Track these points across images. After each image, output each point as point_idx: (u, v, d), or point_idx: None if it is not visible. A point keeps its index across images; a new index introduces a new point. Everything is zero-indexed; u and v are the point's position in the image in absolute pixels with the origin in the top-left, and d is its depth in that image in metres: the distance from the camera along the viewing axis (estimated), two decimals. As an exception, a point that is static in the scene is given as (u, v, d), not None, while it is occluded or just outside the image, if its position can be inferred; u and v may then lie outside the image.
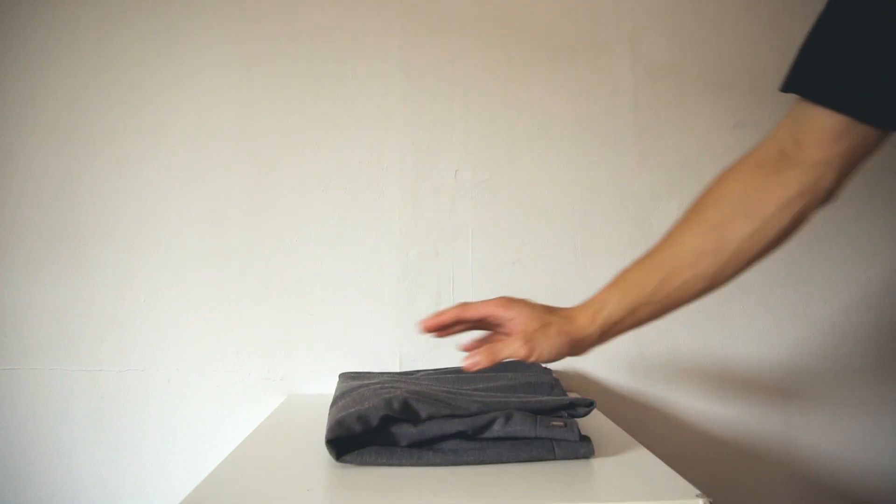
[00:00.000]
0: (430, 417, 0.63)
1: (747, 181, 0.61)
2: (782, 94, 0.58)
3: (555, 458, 0.62)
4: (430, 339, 1.02)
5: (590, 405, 0.69)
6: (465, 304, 0.63)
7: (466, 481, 0.57)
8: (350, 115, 1.02)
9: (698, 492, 0.53)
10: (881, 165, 1.08)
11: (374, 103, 1.02)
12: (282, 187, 1.01)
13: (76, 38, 0.99)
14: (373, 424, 0.61)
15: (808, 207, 0.61)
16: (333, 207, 1.02)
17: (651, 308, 0.62)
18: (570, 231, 1.04)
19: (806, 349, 1.08)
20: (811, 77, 0.57)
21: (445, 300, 1.03)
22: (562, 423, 0.64)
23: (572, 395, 0.85)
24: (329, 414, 0.69)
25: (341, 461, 0.61)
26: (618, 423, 0.79)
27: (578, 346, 0.62)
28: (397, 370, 1.01)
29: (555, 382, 0.87)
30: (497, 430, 0.63)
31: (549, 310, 0.63)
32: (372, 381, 0.80)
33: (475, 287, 1.03)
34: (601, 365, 1.04)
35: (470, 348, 0.62)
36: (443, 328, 0.64)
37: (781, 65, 0.59)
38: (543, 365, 0.97)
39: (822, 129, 0.57)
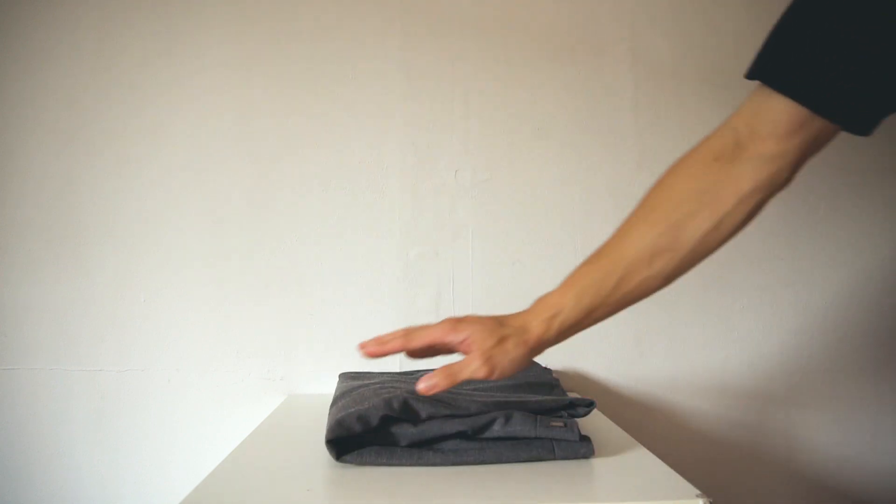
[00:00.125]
0: (430, 417, 0.63)
1: (702, 176, 0.60)
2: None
3: (555, 458, 0.62)
4: (430, 339, 1.02)
5: (590, 405, 0.69)
6: (408, 333, 0.62)
7: (466, 481, 0.57)
8: (350, 115, 1.02)
9: (698, 492, 0.53)
10: (881, 165, 1.08)
11: (374, 103, 1.02)
12: (282, 187, 1.01)
13: (76, 38, 0.99)
14: (373, 424, 0.61)
15: (763, 201, 0.60)
16: (333, 207, 1.02)
17: (607, 309, 0.61)
18: (570, 231, 1.04)
19: (806, 349, 1.08)
20: (776, 66, 0.56)
21: (445, 300, 1.03)
22: (562, 424, 0.64)
23: (572, 395, 0.85)
24: (329, 414, 0.69)
25: (341, 461, 0.61)
26: (618, 423, 0.79)
27: (537, 352, 0.61)
28: (397, 370, 1.01)
29: (555, 382, 0.87)
30: (497, 430, 0.63)
31: (501, 322, 0.61)
32: (372, 381, 0.80)
33: (475, 287, 1.03)
34: (601, 365, 1.04)
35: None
36: (385, 355, 0.62)
37: (781, 65, 0.59)
38: (543, 365, 0.97)
39: (781, 119, 0.57)
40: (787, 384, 1.07)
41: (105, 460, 0.99)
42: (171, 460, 0.99)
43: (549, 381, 0.86)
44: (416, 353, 0.64)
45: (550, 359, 1.00)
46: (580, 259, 1.03)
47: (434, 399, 0.66)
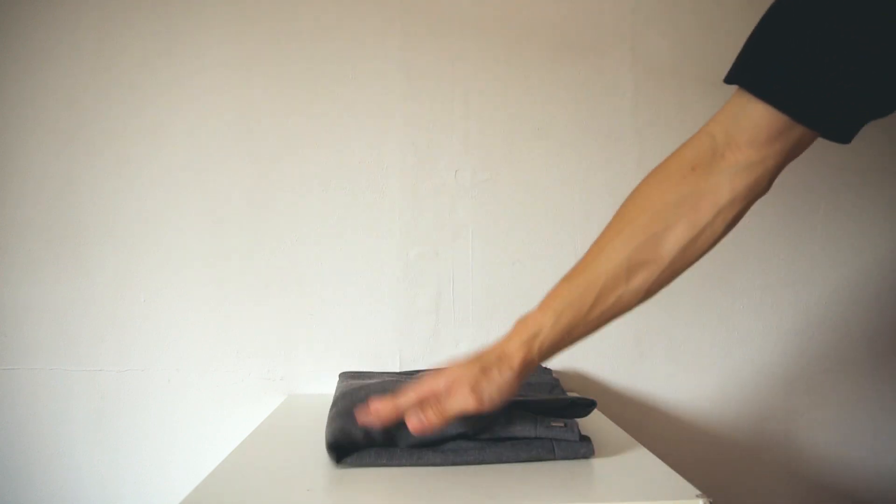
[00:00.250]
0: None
1: (679, 187, 0.58)
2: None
3: (555, 458, 0.62)
4: (430, 339, 1.02)
5: (590, 405, 0.69)
6: (396, 399, 0.60)
7: (466, 481, 0.57)
8: (350, 115, 1.02)
9: (698, 492, 0.53)
10: (881, 165, 1.08)
11: (374, 103, 1.02)
12: (282, 187, 1.01)
13: (76, 38, 0.99)
14: (375, 431, 0.61)
15: (742, 210, 0.59)
16: (333, 207, 1.02)
17: (587, 327, 0.60)
18: (569, 231, 1.04)
19: (806, 349, 1.08)
20: (756, 71, 0.55)
21: (445, 300, 1.03)
22: (562, 424, 0.64)
23: (572, 395, 0.85)
24: (329, 416, 0.69)
25: (342, 464, 0.61)
26: (618, 423, 0.79)
27: (524, 374, 0.60)
28: (397, 370, 1.01)
29: (555, 382, 0.87)
30: (497, 430, 0.63)
31: (479, 356, 0.60)
32: (372, 381, 0.80)
33: (475, 287, 1.03)
34: (601, 365, 1.04)
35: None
36: (382, 423, 0.61)
37: (781, 65, 0.59)
38: (543, 365, 0.97)
39: (760, 126, 0.55)
40: (787, 384, 1.07)
41: (105, 460, 0.99)
42: (171, 460, 0.99)
43: (549, 381, 0.86)
44: (401, 412, 0.61)
45: (554, 360, 0.99)
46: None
47: None
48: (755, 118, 0.55)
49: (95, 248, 0.99)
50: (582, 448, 0.63)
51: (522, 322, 0.60)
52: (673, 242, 0.58)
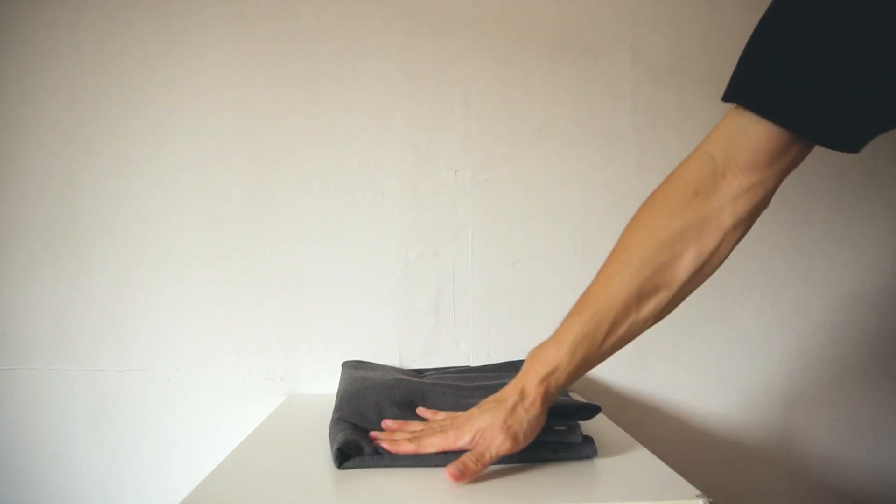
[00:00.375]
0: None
1: (684, 216, 0.58)
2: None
3: (558, 459, 0.62)
4: (430, 339, 1.02)
5: (595, 410, 0.69)
6: (419, 440, 0.60)
7: (468, 482, 0.57)
8: (350, 115, 1.02)
9: (698, 492, 0.53)
10: (881, 166, 1.08)
11: (374, 103, 1.02)
12: (282, 187, 1.01)
13: (76, 38, 0.99)
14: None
15: (745, 232, 0.59)
16: (333, 207, 1.02)
17: (600, 358, 0.61)
18: (570, 231, 1.04)
19: (806, 349, 1.08)
20: (754, 87, 0.53)
21: (445, 300, 1.03)
22: (564, 428, 0.64)
23: (574, 395, 0.85)
24: (333, 418, 0.69)
25: (343, 468, 0.60)
26: (618, 424, 0.79)
27: (547, 406, 0.60)
28: (397, 364, 1.01)
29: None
30: None
31: (499, 399, 0.60)
32: (375, 375, 0.80)
33: (475, 287, 1.03)
34: (601, 365, 1.04)
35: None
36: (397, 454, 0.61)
37: (781, 65, 0.58)
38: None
39: (761, 146, 0.54)
40: (787, 384, 1.07)
41: (105, 460, 0.99)
42: (171, 460, 0.99)
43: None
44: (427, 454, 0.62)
45: (550, 359, 1.00)
46: (580, 259, 1.04)
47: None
48: (756, 138, 0.54)
49: (95, 248, 0.99)
50: (585, 449, 0.63)
51: (537, 359, 0.60)
52: (682, 271, 0.58)
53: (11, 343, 0.98)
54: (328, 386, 1.00)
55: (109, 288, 0.99)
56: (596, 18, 1.05)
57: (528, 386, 0.59)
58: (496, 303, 1.03)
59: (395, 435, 0.64)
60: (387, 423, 0.67)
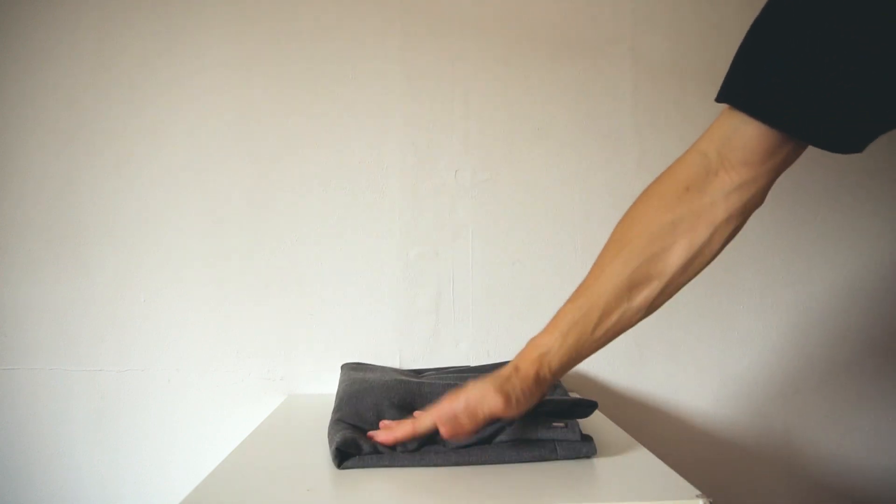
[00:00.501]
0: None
1: (675, 209, 0.59)
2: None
3: (557, 458, 0.62)
4: (430, 339, 1.02)
5: (592, 406, 0.69)
6: (415, 420, 0.62)
7: (467, 481, 0.57)
8: (350, 115, 1.02)
9: (698, 492, 0.53)
10: (880, 166, 1.08)
11: (374, 103, 1.02)
12: (282, 187, 1.01)
13: (76, 38, 0.99)
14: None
15: (737, 228, 0.60)
16: (333, 207, 1.02)
17: (593, 345, 0.62)
18: (570, 231, 1.04)
19: (805, 349, 1.08)
20: (746, 88, 0.54)
21: (445, 300, 1.03)
22: (563, 425, 0.64)
23: (573, 395, 0.85)
24: (332, 418, 0.69)
25: (343, 468, 0.60)
26: (618, 424, 0.79)
27: (541, 387, 0.61)
28: (397, 365, 1.01)
29: (557, 382, 0.86)
30: (502, 437, 0.63)
31: (495, 374, 0.61)
32: (374, 377, 0.80)
33: (475, 287, 1.03)
34: (601, 365, 1.04)
35: None
36: (396, 442, 0.62)
37: (781, 65, 0.58)
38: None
39: (753, 145, 0.55)
40: (787, 384, 1.07)
41: (105, 460, 0.99)
42: (171, 460, 0.99)
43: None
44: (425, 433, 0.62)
45: (550, 359, 1.00)
46: (580, 259, 1.04)
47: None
48: (747, 137, 0.56)
49: (95, 248, 0.99)
50: (584, 447, 0.63)
51: (532, 342, 0.62)
52: (672, 263, 0.59)
53: (11, 343, 0.98)
54: (328, 386, 1.00)
55: (109, 288, 0.99)
56: (596, 18, 1.05)
57: (522, 364, 0.61)
58: (496, 303, 1.03)
59: (391, 424, 0.65)
60: (385, 423, 0.67)
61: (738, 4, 1.06)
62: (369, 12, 1.02)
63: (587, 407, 0.68)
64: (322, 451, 0.65)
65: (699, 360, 1.06)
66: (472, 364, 1.02)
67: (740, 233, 0.62)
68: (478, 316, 1.03)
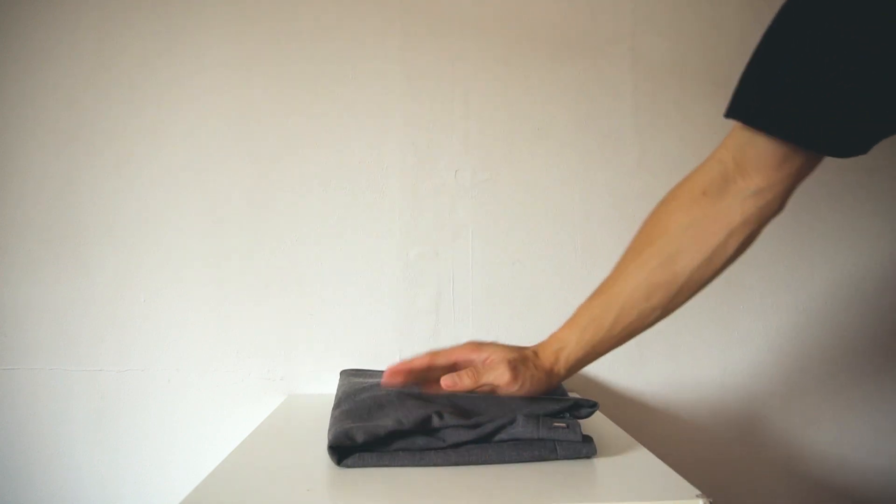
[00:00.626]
0: (442, 427, 0.62)
1: (692, 212, 0.62)
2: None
3: (557, 458, 0.62)
4: (430, 339, 1.02)
5: (593, 406, 0.69)
6: (435, 352, 0.66)
7: (468, 481, 0.57)
8: (350, 115, 1.02)
9: (698, 492, 0.53)
10: (880, 165, 1.08)
11: (374, 103, 1.02)
12: (282, 187, 1.01)
13: (76, 38, 0.99)
14: (380, 436, 0.61)
15: (754, 233, 0.62)
16: (333, 207, 1.02)
17: (609, 342, 0.64)
18: (570, 231, 1.04)
19: (806, 349, 1.08)
20: (752, 104, 0.57)
21: (445, 300, 1.03)
22: (564, 425, 0.64)
23: (573, 395, 0.85)
24: (332, 417, 0.69)
25: (342, 465, 0.60)
26: (618, 424, 0.79)
27: (553, 379, 0.65)
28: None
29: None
30: (502, 436, 0.63)
31: (520, 348, 0.65)
32: (374, 381, 0.80)
33: (475, 287, 1.03)
34: (601, 365, 1.04)
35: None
36: (411, 372, 0.66)
37: (781, 65, 0.59)
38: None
39: (765, 154, 0.58)
40: (787, 384, 1.07)
41: (105, 460, 0.99)
42: (171, 460, 0.99)
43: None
44: (437, 371, 0.66)
45: (550, 359, 1.00)
46: (580, 259, 1.04)
47: (444, 406, 0.66)
48: (760, 148, 0.58)
49: (95, 248, 0.99)
50: (584, 448, 0.63)
51: (552, 336, 0.66)
52: (687, 264, 0.61)
53: (11, 343, 0.98)
54: (328, 386, 1.00)
55: (109, 288, 0.99)
56: (596, 18, 1.05)
57: (542, 352, 0.65)
58: (496, 303, 1.03)
59: (409, 359, 0.68)
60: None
61: (738, 4, 1.06)
62: (369, 12, 1.02)
63: (588, 407, 0.68)
64: (322, 451, 0.65)
65: (699, 360, 1.06)
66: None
67: (736, 261, 0.63)
68: (478, 316, 1.03)
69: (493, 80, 1.04)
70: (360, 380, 0.84)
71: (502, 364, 0.62)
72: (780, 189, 0.59)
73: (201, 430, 1.00)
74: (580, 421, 0.66)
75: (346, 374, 0.91)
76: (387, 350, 1.02)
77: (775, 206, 0.61)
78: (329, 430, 0.65)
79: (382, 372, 0.95)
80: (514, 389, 0.62)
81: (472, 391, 0.64)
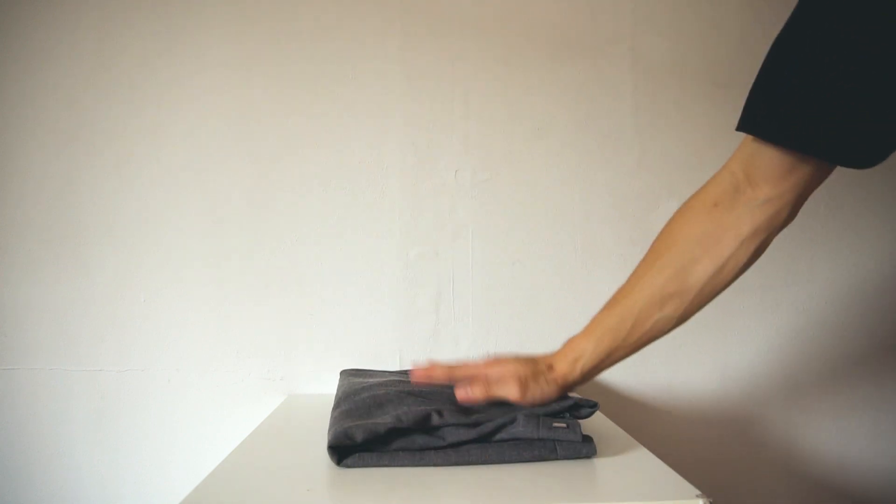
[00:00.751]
0: (441, 426, 0.62)
1: (704, 223, 0.64)
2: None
3: (557, 458, 0.62)
4: (430, 339, 1.02)
5: (593, 406, 0.69)
6: (454, 366, 0.68)
7: (468, 481, 0.57)
8: (350, 115, 1.02)
9: (698, 492, 0.53)
10: (880, 165, 1.08)
11: (374, 103, 1.02)
12: (282, 187, 1.01)
13: (76, 38, 0.99)
14: (379, 434, 0.61)
15: (765, 242, 0.65)
16: (333, 207, 1.02)
17: (625, 350, 0.66)
18: (570, 231, 1.04)
19: (806, 349, 1.08)
20: (758, 114, 0.58)
21: (445, 300, 1.03)
22: (564, 425, 0.64)
23: (573, 395, 0.85)
24: (332, 416, 0.69)
25: (342, 465, 0.60)
26: (618, 424, 0.79)
27: (566, 389, 0.67)
28: (397, 368, 1.01)
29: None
30: (502, 435, 0.63)
31: (534, 359, 0.67)
32: (374, 381, 0.80)
33: (475, 287, 1.03)
34: (601, 365, 1.04)
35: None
36: (431, 381, 0.69)
37: (781, 65, 0.59)
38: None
39: (772, 164, 0.59)
40: (787, 384, 1.07)
41: (105, 460, 0.99)
42: (171, 460, 0.99)
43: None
44: (453, 381, 0.69)
45: (550, 359, 1.00)
46: (580, 259, 1.04)
47: (443, 404, 0.66)
48: (767, 158, 0.60)
49: (95, 248, 0.99)
50: (584, 448, 0.63)
51: (569, 344, 0.68)
52: (700, 273, 0.64)
53: (11, 343, 0.98)
54: (328, 386, 1.00)
55: (109, 288, 0.99)
56: (596, 18, 1.05)
57: (557, 363, 0.67)
58: (496, 303, 1.03)
59: (431, 365, 0.70)
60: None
61: (738, 4, 1.06)
62: (369, 12, 1.02)
63: (588, 407, 0.69)
64: (322, 451, 0.65)
65: (699, 360, 1.06)
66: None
67: (748, 269, 0.64)
68: (478, 316, 1.03)
69: (493, 80, 1.04)
70: (360, 380, 0.84)
71: (512, 379, 0.64)
72: (789, 198, 0.61)
73: (201, 430, 1.00)
74: (580, 421, 0.67)
75: (346, 374, 0.91)
76: (387, 350, 1.02)
77: (785, 216, 0.63)
78: (329, 430, 0.65)
79: (383, 372, 0.95)
80: (522, 402, 0.65)
81: (481, 402, 0.66)
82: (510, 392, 0.64)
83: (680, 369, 1.06)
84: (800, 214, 0.65)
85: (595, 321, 0.67)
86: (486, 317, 1.03)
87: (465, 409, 0.67)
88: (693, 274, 0.64)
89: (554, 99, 1.04)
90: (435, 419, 0.62)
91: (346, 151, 1.02)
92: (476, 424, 0.63)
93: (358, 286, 1.02)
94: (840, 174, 1.09)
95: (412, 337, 1.02)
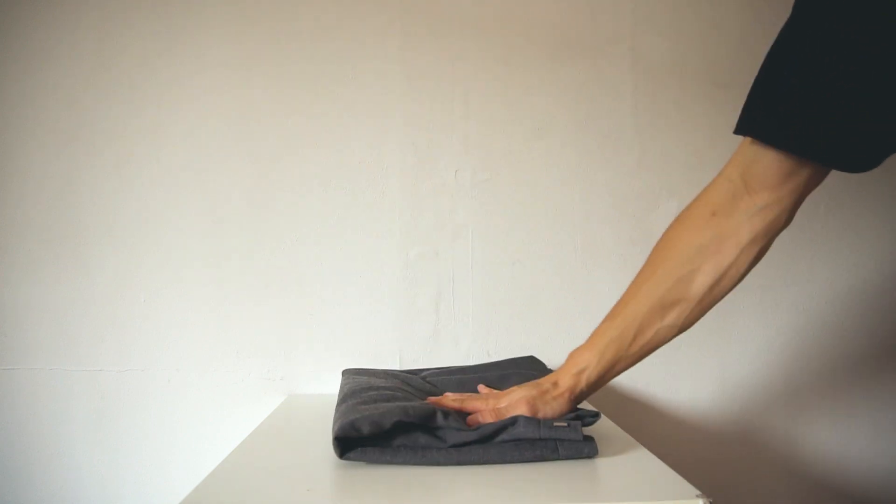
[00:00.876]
0: (445, 427, 0.62)
1: (703, 232, 0.64)
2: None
3: (558, 458, 0.62)
4: (430, 339, 1.02)
5: (595, 416, 0.69)
6: (465, 398, 0.70)
7: (469, 480, 0.57)
8: (350, 115, 1.02)
9: (698, 492, 0.53)
10: (879, 166, 1.08)
11: (374, 103, 1.02)
12: (282, 187, 1.01)
13: (76, 38, 0.99)
14: (385, 428, 0.60)
15: (764, 248, 0.64)
16: (333, 207, 1.02)
17: (628, 360, 0.67)
18: (570, 231, 1.04)
19: (806, 349, 1.08)
20: (756, 117, 0.59)
21: (445, 300, 1.03)
22: (565, 424, 0.64)
23: (577, 407, 0.85)
24: (337, 412, 0.69)
25: (345, 458, 0.60)
26: (618, 424, 0.79)
27: (575, 402, 0.68)
28: (398, 367, 1.01)
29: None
30: (504, 436, 0.63)
31: (537, 383, 0.68)
32: (378, 381, 0.80)
33: (475, 287, 1.03)
34: (601, 365, 1.04)
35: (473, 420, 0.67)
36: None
37: (781, 65, 0.59)
38: (548, 368, 0.96)
39: (771, 169, 0.59)
40: (787, 384, 1.07)
41: (105, 460, 0.99)
42: (171, 460, 0.99)
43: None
44: (463, 412, 0.70)
45: (554, 359, 1.00)
46: (580, 259, 1.04)
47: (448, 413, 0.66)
48: (765, 163, 0.60)
49: (95, 248, 0.99)
50: (586, 447, 0.63)
51: (572, 357, 0.68)
52: (700, 283, 0.64)
53: (11, 343, 0.98)
54: (328, 386, 1.00)
55: (109, 288, 0.99)
56: (596, 18, 1.05)
57: (562, 379, 0.67)
58: (496, 303, 1.03)
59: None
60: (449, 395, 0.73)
61: (738, 4, 1.06)
62: (369, 12, 1.02)
63: (589, 417, 0.68)
64: (322, 450, 0.65)
65: (699, 360, 1.06)
66: (472, 364, 1.02)
67: (748, 275, 0.65)
68: (478, 316, 1.03)
69: (493, 80, 1.04)
70: (365, 378, 0.84)
71: (521, 402, 0.65)
72: (786, 203, 0.61)
73: (201, 430, 1.00)
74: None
75: (350, 373, 0.91)
76: (387, 350, 1.02)
77: (782, 221, 0.63)
78: (335, 422, 0.65)
79: (385, 371, 0.96)
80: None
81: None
82: (520, 413, 0.65)
83: (680, 370, 1.06)
84: (799, 215, 0.65)
85: (597, 333, 0.68)
86: (486, 317, 1.03)
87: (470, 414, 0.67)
88: (694, 283, 0.64)
89: (554, 99, 1.04)
90: (440, 419, 0.62)
91: (346, 151, 1.02)
92: (478, 427, 0.63)
93: (358, 286, 1.02)
94: (839, 174, 1.09)
95: (412, 337, 1.02)
